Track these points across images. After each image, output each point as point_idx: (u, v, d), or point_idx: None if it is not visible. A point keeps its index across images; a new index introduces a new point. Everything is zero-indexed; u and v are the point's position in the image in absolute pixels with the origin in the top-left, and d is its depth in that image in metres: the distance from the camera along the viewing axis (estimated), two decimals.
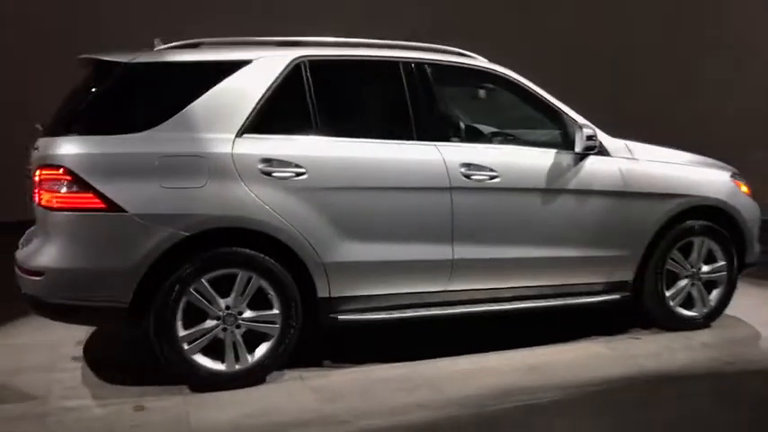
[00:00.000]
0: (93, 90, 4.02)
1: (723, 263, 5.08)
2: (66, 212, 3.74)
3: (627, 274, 4.85)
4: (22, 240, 4.31)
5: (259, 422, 3.59)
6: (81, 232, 3.77)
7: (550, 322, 4.99)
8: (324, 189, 4.08)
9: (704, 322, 5.09)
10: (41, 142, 3.94)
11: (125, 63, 3.98)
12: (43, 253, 3.79)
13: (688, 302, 5.05)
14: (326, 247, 4.07)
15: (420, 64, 4.47)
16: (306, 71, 4.18)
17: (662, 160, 4.98)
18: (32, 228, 4.24)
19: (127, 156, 3.83)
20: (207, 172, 3.90)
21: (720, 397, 4.01)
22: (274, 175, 3.99)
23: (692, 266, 5.02)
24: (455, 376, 4.21)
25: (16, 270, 3.98)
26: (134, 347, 4.54)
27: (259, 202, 3.94)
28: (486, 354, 4.56)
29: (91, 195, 3.71)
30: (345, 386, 4.06)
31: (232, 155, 3.95)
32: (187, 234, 3.82)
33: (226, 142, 3.96)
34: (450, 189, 4.33)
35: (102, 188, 3.71)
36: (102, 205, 3.71)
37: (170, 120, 3.90)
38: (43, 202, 3.80)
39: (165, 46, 4.23)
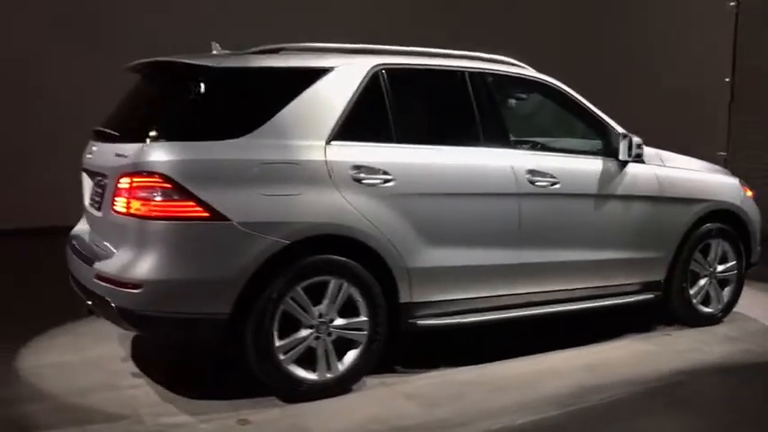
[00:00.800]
0: (181, 95, 3.89)
1: (734, 262, 5.51)
2: (166, 221, 3.59)
3: (660, 274, 5.17)
4: (75, 248, 4.12)
5: (384, 428, 3.58)
6: (183, 242, 3.62)
7: (583, 322, 5.20)
8: (409, 195, 4.11)
9: (721, 317, 5.49)
10: (127, 148, 3.74)
11: (216, 68, 3.87)
12: (141, 264, 3.61)
13: (705, 300, 5.44)
14: (410, 252, 4.10)
15: (484, 73, 4.60)
16: (383, 79, 4.20)
17: (686, 167, 5.34)
18: (87, 234, 4.05)
19: (227, 163, 3.72)
20: (303, 179, 3.86)
21: None
22: (364, 181, 3.99)
23: (710, 266, 5.41)
24: (533, 377, 4.35)
25: (91, 281, 3.79)
26: (185, 360, 4.40)
27: (352, 208, 3.93)
28: (543, 355, 4.71)
29: (192, 204, 3.57)
30: (435, 391, 4.10)
31: (326, 162, 3.92)
32: (287, 242, 3.75)
33: (319, 149, 3.92)
34: (518, 195, 4.48)
35: (203, 196, 3.59)
36: (206, 214, 3.59)
37: (263, 126, 3.82)
38: (133, 211, 3.64)
39: (256, 49, 4.11)
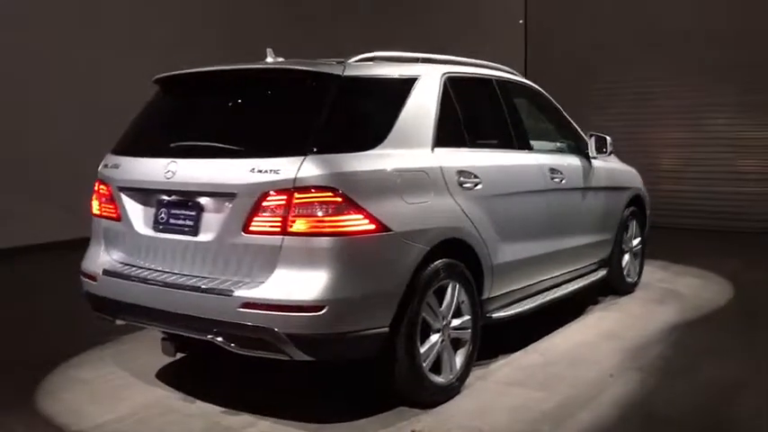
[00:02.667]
0: (310, 104, 3.66)
1: (640, 237, 6.65)
2: (339, 237, 3.39)
3: (607, 252, 6.06)
4: (140, 278, 3.76)
5: (534, 413, 3.84)
6: (357, 257, 3.46)
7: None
8: (492, 196, 4.37)
9: (637, 282, 6.61)
10: (275, 163, 3.43)
11: (343, 76, 3.71)
12: (318, 284, 3.36)
13: (628, 271, 6.49)
14: (494, 250, 4.37)
15: (507, 81, 5.02)
16: (450, 87, 4.37)
17: (614, 161, 6.30)
18: (142, 260, 3.80)
19: (378, 173, 3.64)
20: (429, 186, 3.92)
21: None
22: (464, 185, 4.16)
23: (630, 242, 6.47)
24: (580, 348, 4.89)
25: (230, 311, 3.43)
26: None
27: (461, 212, 4.08)
28: (556, 334, 5.26)
29: (362, 216, 3.44)
30: (527, 375, 4.40)
31: (441, 168, 4.01)
32: (428, 249, 3.79)
33: (431, 156, 4.00)
34: (547, 191, 4.99)
35: (370, 208, 3.48)
36: (373, 226, 3.48)
37: (390, 135, 3.80)
38: (294, 229, 3.39)
39: (360, 57, 3.98)
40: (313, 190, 3.38)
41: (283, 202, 3.40)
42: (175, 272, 3.76)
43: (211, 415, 3.85)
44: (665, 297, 6.36)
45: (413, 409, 3.86)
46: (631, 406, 3.91)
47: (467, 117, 4.46)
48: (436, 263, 3.87)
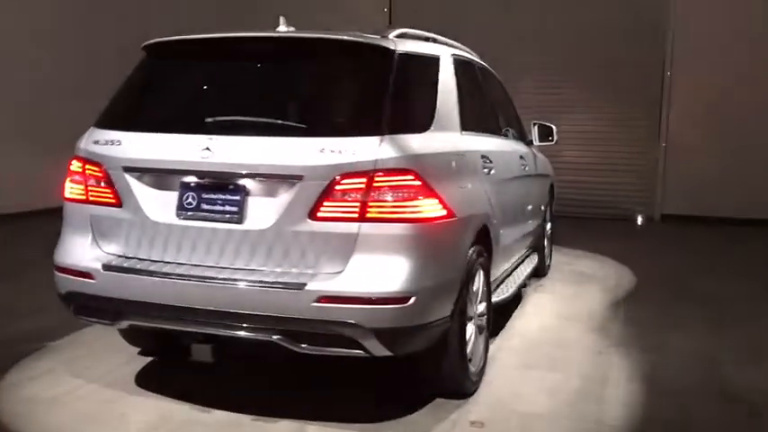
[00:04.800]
0: (362, 80, 3.39)
1: (551, 222, 7.03)
2: (420, 224, 3.17)
3: (539, 237, 6.32)
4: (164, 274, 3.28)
5: (575, 385, 3.91)
6: (436, 243, 3.26)
7: None
8: (500, 181, 4.37)
9: (549, 266, 6.98)
10: (349, 143, 3.11)
11: (398, 52, 3.45)
12: (402, 273, 3.11)
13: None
14: (499, 234, 4.36)
15: (481, 64, 5.01)
16: (456, 69, 4.26)
17: (535, 149, 6.56)
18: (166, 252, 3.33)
19: (440, 156, 3.45)
20: (469, 170, 3.82)
21: None
22: (484, 170, 4.10)
23: (548, 225, 6.82)
24: (552, 332, 5.05)
25: (301, 306, 3.08)
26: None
27: (487, 196, 4.03)
28: (513, 317, 5.40)
29: (436, 201, 3.25)
30: (538, 360, 4.45)
31: (472, 152, 3.93)
32: (474, 234, 3.69)
33: (463, 139, 3.89)
34: (520, 177, 5.09)
35: (441, 192, 3.29)
36: (446, 212, 3.30)
37: (435, 116, 3.61)
38: (375, 215, 3.11)
39: (397, 32, 3.70)
40: (394, 173, 3.12)
41: (362, 186, 3.10)
42: (213, 265, 3.29)
43: (246, 425, 3.44)
44: (578, 278, 6.78)
45: (450, 400, 3.74)
46: (647, 380, 4.11)
47: (469, 101, 4.39)
48: (473, 248, 3.78)
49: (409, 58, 3.55)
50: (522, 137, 5.81)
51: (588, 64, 10.70)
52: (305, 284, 3.10)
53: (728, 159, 10.05)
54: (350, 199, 3.11)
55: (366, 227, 3.11)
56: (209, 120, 3.36)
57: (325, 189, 3.12)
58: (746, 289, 6.45)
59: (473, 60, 4.82)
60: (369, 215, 3.11)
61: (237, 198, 3.25)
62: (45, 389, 3.88)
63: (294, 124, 3.30)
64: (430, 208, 3.20)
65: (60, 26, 9.85)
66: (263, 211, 3.22)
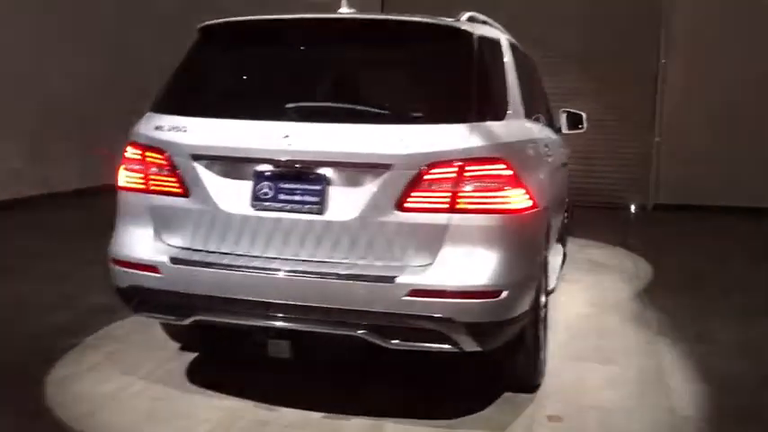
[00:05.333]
0: (458, 65, 3.25)
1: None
2: (511, 215, 3.06)
3: (564, 229, 6.28)
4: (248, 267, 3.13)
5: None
6: (523, 235, 3.17)
7: None
8: (553, 170, 4.31)
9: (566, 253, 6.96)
10: (437, 130, 3.00)
11: (476, 36, 3.33)
12: (496, 267, 3.02)
13: None
14: (551, 224, 4.28)
15: (517, 46, 4.88)
16: (513, 53, 4.13)
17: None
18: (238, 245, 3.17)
19: (523, 144, 3.38)
20: (539, 159, 3.74)
21: None
22: (545, 159, 4.03)
23: None
24: (589, 321, 5.02)
25: (392, 300, 2.97)
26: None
27: (548, 185, 3.94)
28: None
29: (524, 191, 3.16)
30: (585, 351, 4.42)
31: (542, 140, 3.85)
32: (547, 224, 3.63)
33: (532, 127, 3.82)
34: (561, 166, 5.03)
35: (526, 182, 3.20)
36: (531, 202, 3.21)
37: (509, 103, 3.51)
38: (465, 205, 3.00)
39: (468, 15, 3.57)
40: (485, 161, 3.02)
41: (453, 176, 3.00)
42: (291, 257, 3.15)
43: (318, 424, 3.33)
44: (594, 267, 6.76)
45: (518, 393, 3.68)
46: (701, 370, 4.10)
47: (525, 87, 4.28)
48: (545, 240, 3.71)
49: (483, 42, 3.43)
50: (552, 124, 5.75)
51: (582, 53, 10.70)
52: (395, 277, 2.99)
53: (722, 149, 10.18)
54: (439, 189, 3.00)
55: (456, 218, 3.01)
56: (291, 106, 3.20)
57: (414, 178, 3.00)
58: (760, 276, 6.53)
59: (514, 42, 4.72)
60: (459, 206, 3.00)
61: (318, 188, 3.12)
62: (95, 385, 3.72)
63: (381, 111, 3.17)
64: (519, 198, 3.11)
65: None
66: (345, 201, 3.09)
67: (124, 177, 3.44)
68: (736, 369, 4.14)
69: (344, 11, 3.67)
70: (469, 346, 3.06)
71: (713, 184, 10.25)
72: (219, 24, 3.49)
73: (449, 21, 3.39)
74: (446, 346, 3.06)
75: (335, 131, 3.11)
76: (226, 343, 4.15)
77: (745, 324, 5.01)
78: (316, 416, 3.39)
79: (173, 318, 3.34)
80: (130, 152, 3.42)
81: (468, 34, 3.31)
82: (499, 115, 3.29)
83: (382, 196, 3.03)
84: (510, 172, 3.06)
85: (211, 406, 3.47)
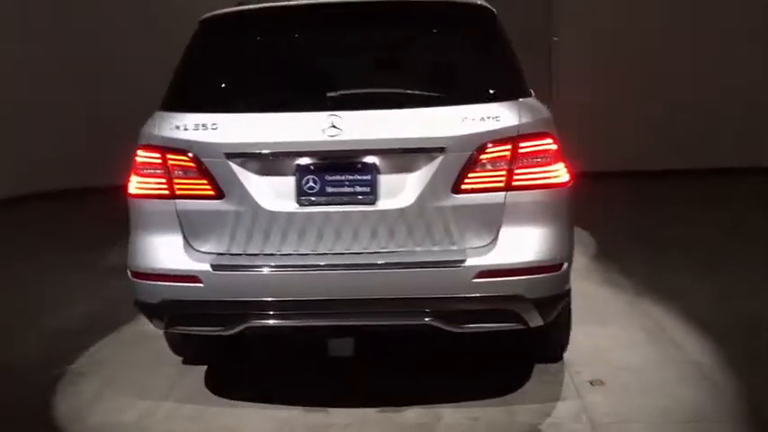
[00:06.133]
0: (490, 44, 3.25)
1: None
2: (560, 189, 3.11)
3: None
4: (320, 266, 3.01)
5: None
6: (568, 209, 3.21)
7: None
8: None
9: None
10: (497, 109, 2.99)
11: (496, 15, 3.33)
12: (554, 241, 3.07)
13: None
14: None
15: None
16: None
17: None
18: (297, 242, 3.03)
19: (552, 121, 3.39)
20: None
21: None
22: None
23: None
24: None
25: (462, 283, 2.95)
26: None
27: None
28: None
29: (563, 165, 3.17)
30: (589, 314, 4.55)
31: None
32: None
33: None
34: None
35: (563, 155, 3.25)
36: (569, 176, 3.23)
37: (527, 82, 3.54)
38: (522, 182, 3.03)
39: None
40: (536, 137, 3.05)
41: (507, 154, 3.00)
42: (345, 251, 3.03)
43: (378, 419, 3.25)
44: None
45: (547, 364, 3.74)
46: (694, 321, 4.33)
47: None
48: None
49: (500, 22, 3.44)
50: None
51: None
52: (463, 261, 2.95)
53: (617, 115, 10.62)
54: (495, 168, 3.00)
55: (513, 195, 3.02)
56: (333, 94, 3.06)
57: (469, 159, 2.98)
58: (693, 232, 6.92)
59: None
60: (515, 183, 3.02)
61: (368, 177, 3.02)
62: (114, 415, 3.43)
63: (429, 94, 3.11)
64: (563, 172, 3.15)
65: None
66: (397, 188, 3.01)
67: (138, 184, 3.17)
68: (722, 317, 4.43)
69: None
70: (535, 321, 3.08)
71: (615, 150, 10.65)
72: (232, 14, 3.28)
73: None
74: (512, 324, 3.07)
75: (384, 118, 3.02)
76: (240, 349, 3.96)
77: (707, 277, 5.30)
78: (371, 412, 3.30)
79: (218, 329, 3.12)
80: (145, 156, 3.15)
81: (492, 12, 3.32)
82: (528, 91, 3.32)
83: (437, 180, 2.98)
84: (555, 146, 3.10)
85: (259, 417, 3.29)
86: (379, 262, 2.99)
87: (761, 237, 6.39)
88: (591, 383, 3.54)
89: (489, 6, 3.34)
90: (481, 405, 3.35)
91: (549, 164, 3.07)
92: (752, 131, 9.85)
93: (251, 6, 3.26)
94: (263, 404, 3.40)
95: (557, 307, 3.18)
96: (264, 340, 3.99)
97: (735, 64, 9.82)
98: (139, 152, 3.17)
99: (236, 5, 3.41)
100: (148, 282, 3.11)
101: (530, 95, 3.24)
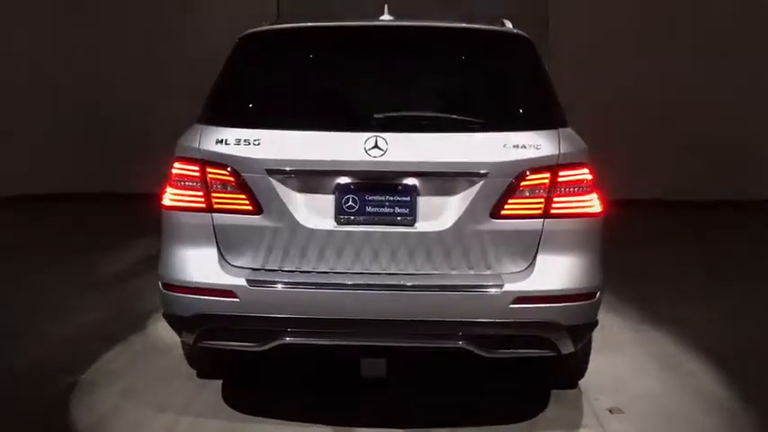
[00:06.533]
0: (528, 71, 3.32)
1: None
2: (589, 219, 3.14)
3: None
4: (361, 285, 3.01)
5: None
6: (600, 238, 3.24)
7: None
8: None
9: None
10: (530, 138, 3.03)
11: (532, 41, 3.39)
12: (589, 269, 3.12)
13: None
14: None
15: None
16: None
17: None
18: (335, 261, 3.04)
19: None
20: None
21: None
22: None
23: None
24: None
25: (500, 309, 2.97)
26: None
27: None
28: None
29: (597, 196, 3.22)
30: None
31: None
32: None
33: None
34: None
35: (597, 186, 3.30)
36: (602, 206, 3.27)
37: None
38: (559, 211, 3.07)
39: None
40: (573, 167, 3.09)
41: (546, 182, 3.04)
42: (382, 271, 3.04)
43: None
44: None
45: (565, 390, 3.77)
46: (702, 349, 4.39)
47: None
48: None
49: (538, 50, 3.50)
50: None
51: None
52: (501, 286, 2.98)
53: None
54: (534, 195, 3.04)
55: (550, 223, 3.06)
56: (378, 116, 3.08)
57: (510, 186, 3.01)
58: (657, 257, 6.95)
59: None
60: (553, 211, 3.06)
61: (408, 199, 3.04)
62: (137, 428, 3.35)
63: (471, 119, 3.15)
64: (597, 202, 3.20)
65: None
66: (437, 211, 3.04)
67: (175, 196, 3.15)
68: (724, 343, 4.50)
69: (386, 17, 3.59)
70: (567, 348, 3.12)
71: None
72: (276, 30, 3.30)
73: (506, 28, 3.43)
74: (545, 351, 3.10)
75: (426, 141, 3.06)
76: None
77: (699, 304, 5.42)
78: None
79: (251, 345, 3.10)
80: (183, 169, 3.14)
81: (530, 41, 3.37)
82: (566, 121, 3.36)
83: (477, 204, 3.01)
84: (591, 177, 3.15)
85: None
86: (415, 283, 3.01)
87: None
88: (610, 411, 3.58)
89: (528, 36, 3.39)
90: (505, 430, 3.37)
91: (586, 193, 3.11)
92: None
93: (299, 24, 3.28)
94: (289, 422, 3.38)
95: (588, 335, 3.22)
96: (289, 357, 3.95)
97: None
98: (177, 164, 3.16)
99: (274, 23, 3.45)
100: (182, 294, 3.09)
101: (567, 125, 3.29)
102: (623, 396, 3.74)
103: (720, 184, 9.85)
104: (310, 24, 3.29)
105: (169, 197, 3.17)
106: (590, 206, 3.13)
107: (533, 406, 3.59)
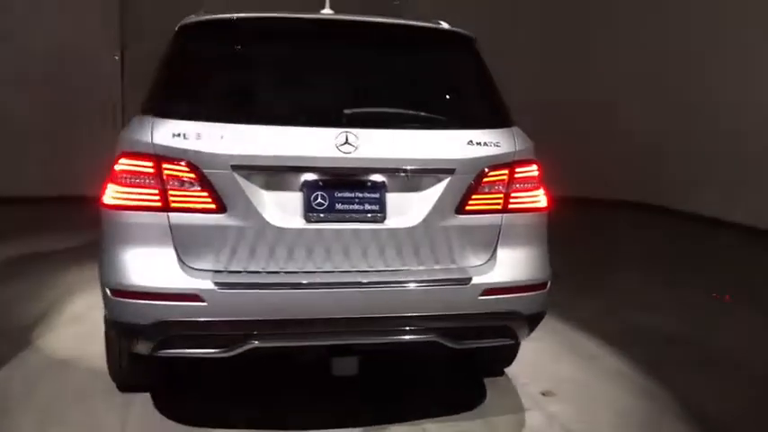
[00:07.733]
0: (477, 71, 3.38)
1: None
2: (540, 213, 3.29)
3: None
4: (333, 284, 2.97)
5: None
6: (546, 230, 3.39)
7: None
8: None
9: None
10: (491, 135, 3.13)
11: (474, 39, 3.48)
12: (542, 260, 3.28)
13: None
14: None
15: None
16: None
17: None
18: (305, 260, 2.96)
19: None
20: None
21: None
22: None
23: None
24: None
25: (467, 301, 3.04)
26: None
27: None
28: None
29: (543, 190, 3.39)
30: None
31: None
32: None
33: None
34: None
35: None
36: (548, 201, 3.40)
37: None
38: (516, 205, 3.19)
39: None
40: (526, 163, 3.24)
41: (505, 178, 3.16)
42: (353, 269, 2.99)
43: None
44: None
45: (493, 378, 3.93)
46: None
47: None
48: None
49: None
50: None
51: None
52: (471, 279, 3.05)
53: None
54: (494, 191, 3.14)
55: (508, 217, 3.17)
56: (348, 112, 3.01)
57: (474, 182, 3.09)
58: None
59: None
60: (510, 206, 3.18)
61: (377, 195, 3.02)
62: None
63: (435, 116, 3.18)
64: (545, 197, 3.36)
65: None
66: (406, 207, 3.05)
67: (121, 194, 2.88)
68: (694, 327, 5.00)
69: (327, 11, 3.52)
70: (523, 336, 3.27)
71: None
72: (238, 19, 3.12)
73: (454, 28, 3.49)
74: (506, 339, 3.24)
75: (400, 137, 3.05)
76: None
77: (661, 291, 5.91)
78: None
79: (216, 351, 2.91)
80: (131, 165, 2.88)
81: (474, 39, 3.46)
82: (514, 120, 3.50)
83: (445, 200, 3.06)
84: (539, 173, 3.32)
85: None
86: (387, 280, 3.00)
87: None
88: (543, 395, 3.78)
89: (470, 35, 3.46)
90: (459, 419, 3.43)
91: (536, 188, 3.27)
92: None
93: (255, 14, 3.12)
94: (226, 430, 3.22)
95: (539, 322, 3.38)
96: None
97: None
98: (123, 160, 2.90)
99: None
100: (137, 301, 2.83)
101: (515, 124, 3.44)
102: (553, 380, 3.96)
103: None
104: (264, 15, 3.14)
105: (113, 195, 2.90)
106: (540, 201, 3.28)
107: (474, 395, 3.70)
